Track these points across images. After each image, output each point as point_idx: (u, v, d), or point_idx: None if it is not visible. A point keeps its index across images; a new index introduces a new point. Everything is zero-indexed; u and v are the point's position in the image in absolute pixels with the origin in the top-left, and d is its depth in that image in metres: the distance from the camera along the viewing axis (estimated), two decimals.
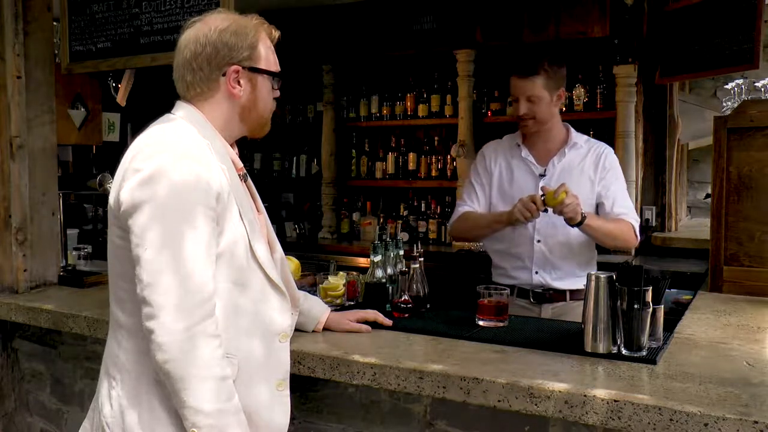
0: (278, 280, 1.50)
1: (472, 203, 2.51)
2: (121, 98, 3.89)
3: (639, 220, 2.41)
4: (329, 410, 1.84)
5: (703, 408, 1.25)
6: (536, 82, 2.32)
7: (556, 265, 2.38)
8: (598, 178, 2.39)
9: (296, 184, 5.24)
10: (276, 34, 1.57)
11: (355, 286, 2.09)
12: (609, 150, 2.46)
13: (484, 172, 2.52)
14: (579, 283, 2.36)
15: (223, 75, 1.46)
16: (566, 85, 4.08)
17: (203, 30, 1.46)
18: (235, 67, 1.46)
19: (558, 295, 2.39)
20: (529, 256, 2.39)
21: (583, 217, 2.20)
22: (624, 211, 2.36)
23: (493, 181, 2.49)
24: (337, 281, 2.05)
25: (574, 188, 2.30)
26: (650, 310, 1.56)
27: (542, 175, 2.41)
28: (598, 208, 2.39)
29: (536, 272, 2.39)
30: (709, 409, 1.24)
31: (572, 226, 2.22)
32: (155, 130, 1.41)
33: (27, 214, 2.41)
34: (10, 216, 2.37)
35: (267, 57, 1.52)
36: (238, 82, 1.48)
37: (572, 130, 2.49)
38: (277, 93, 1.57)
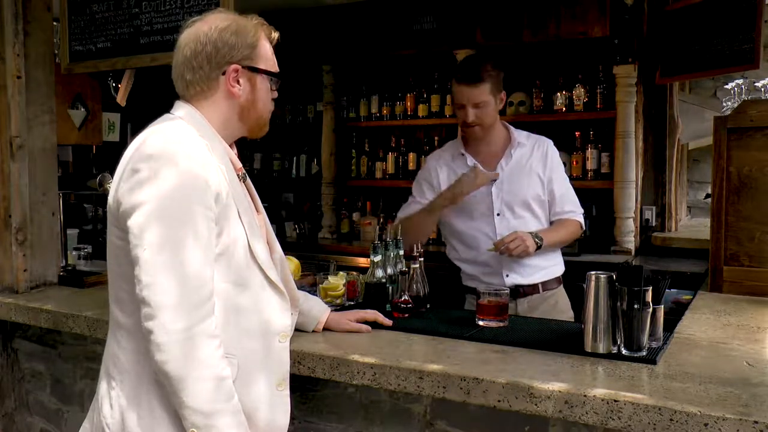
0: (277, 280, 1.50)
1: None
2: (121, 98, 3.90)
3: (583, 210, 2.53)
4: (329, 410, 1.84)
5: (703, 408, 1.25)
6: (483, 88, 2.34)
7: (523, 263, 2.41)
8: (546, 176, 2.45)
9: (296, 184, 5.24)
10: (275, 35, 1.57)
11: (355, 286, 2.09)
12: (550, 143, 2.52)
13: (429, 188, 2.54)
14: (548, 275, 2.47)
15: (223, 74, 1.46)
16: (566, 85, 4.10)
17: (203, 29, 1.46)
18: (234, 66, 1.46)
19: (531, 289, 2.45)
20: (497, 261, 2.41)
21: (539, 245, 2.32)
22: (572, 208, 2.48)
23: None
24: (337, 281, 2.05)
25: (525, 186, 2.43)
26: (650, 310, 1.56)
27: (493, 180, 2.42)
28: (549, 206, 2.47)
29: (507, 275, 2.42)
30: (709, 409, 1.24)
31: (535, 251, 2.32)
32: (154, 130, 1.41)
33: (27, 214, 2.41)
34: (10, 216, 2.37)
35: (266, 57, 1.52)
36: (238, 81, 1.48)
37: (512, 128, 2.52)
38: (275, 94, 1.57)
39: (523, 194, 2.43)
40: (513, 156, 2.45)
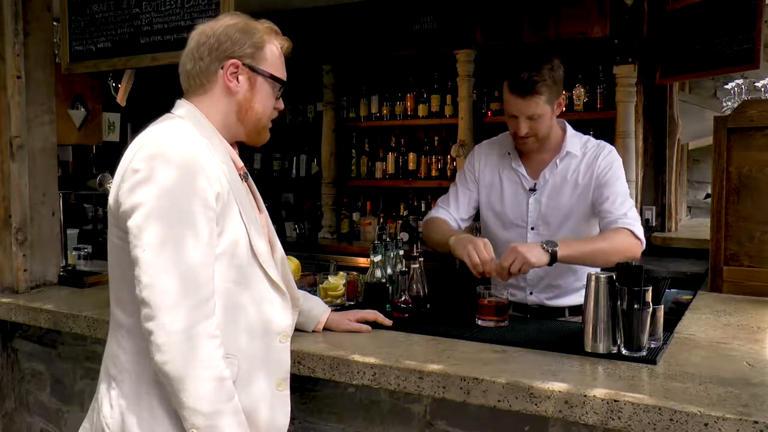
0: (279, 279, 1.50)
1: (448, 209, 2.32)
2: (121, 98, 3.89)
3: (639, 219, 2.11)
4: (329, 410, 1.84)
5: (703, 408, 1.25)
6: (538, 101, 2.07)
7: (552, 284, 2.21)
8: (593, 185, 2.15)
9: (296, 184, 5.25)
10: (287, 44, 1.57)
11: (355, 286, 2.09)
12: (607, 150, 2.20)
13: (472, 180, 2.32)
14: (578, 299, 2.15)
15: (222, 68, 1.47)
16: (566, 85, 4.07)
17: (212, 24, 1.50)
18: (234, 61, 1.46)
19: (555, 311, 2.23)
20: (522, 276, 2.12)
21: (553, 253, 1.91)
22: (616, 215, 2.08)
23: (481, 190, 2.31)
24: (337, 281, 2.05)
25: (566, 201, 2.18)
26: (650, 310, 1.56)
27: (532, 190, 2.21)
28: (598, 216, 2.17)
29: (530, 293, 2.25)
30: (709, 409, 1.24)
31: (549, 264, 1.93)
32: (154, 130, 1.41)
33: (27, 214, 2.41)
34: (10, 216, 2.37)
35: (272, 62, 1.52)
36: (237, 78, 1.47)
37: (568, 132, 2.24)
38: (280, 103, 1.56)
39: (565, 209, 2.17)
40: (558, 167, 2.20)
